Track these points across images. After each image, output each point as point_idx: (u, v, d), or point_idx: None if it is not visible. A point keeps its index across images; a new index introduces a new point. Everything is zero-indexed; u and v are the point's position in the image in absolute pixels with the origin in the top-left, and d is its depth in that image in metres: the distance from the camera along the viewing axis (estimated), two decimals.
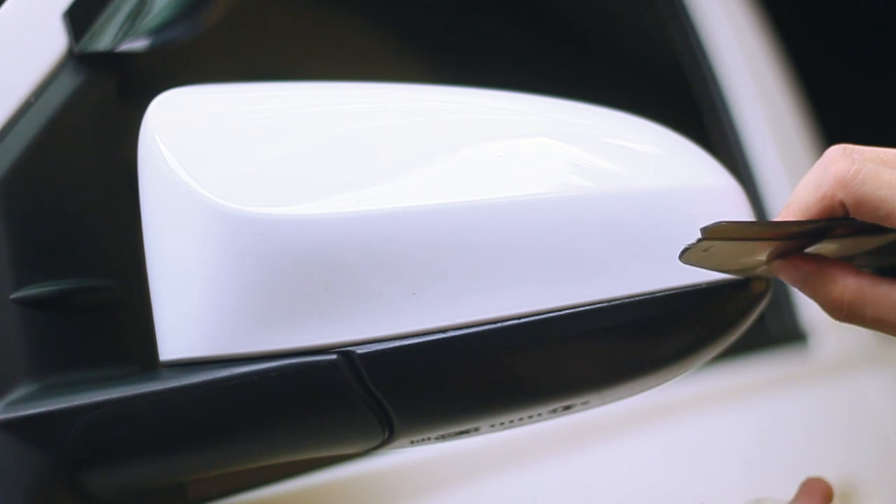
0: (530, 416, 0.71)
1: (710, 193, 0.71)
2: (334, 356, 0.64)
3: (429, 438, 0.69)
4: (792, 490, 0.74)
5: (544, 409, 0.71)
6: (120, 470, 0.66)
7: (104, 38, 0.72)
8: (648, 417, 1.08)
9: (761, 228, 0.64)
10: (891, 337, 0.68)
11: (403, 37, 1.17)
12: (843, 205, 0.64)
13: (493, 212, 0.65)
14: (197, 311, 0.63)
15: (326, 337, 0.63)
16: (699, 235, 0.62)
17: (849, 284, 0.66)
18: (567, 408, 0.72)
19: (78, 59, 0.71)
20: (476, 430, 0.70)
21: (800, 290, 0.68)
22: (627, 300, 0.67)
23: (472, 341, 0.65)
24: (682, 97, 1.53)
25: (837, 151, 0.65)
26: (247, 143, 0.64)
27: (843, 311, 0.66)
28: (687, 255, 0.63)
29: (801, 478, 0.73)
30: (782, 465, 1.20)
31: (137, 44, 0.72)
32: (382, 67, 1.11)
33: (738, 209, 0.72)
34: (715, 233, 0.62)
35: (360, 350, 0.64)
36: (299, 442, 0.67)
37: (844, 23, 2.55)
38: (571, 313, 0.66)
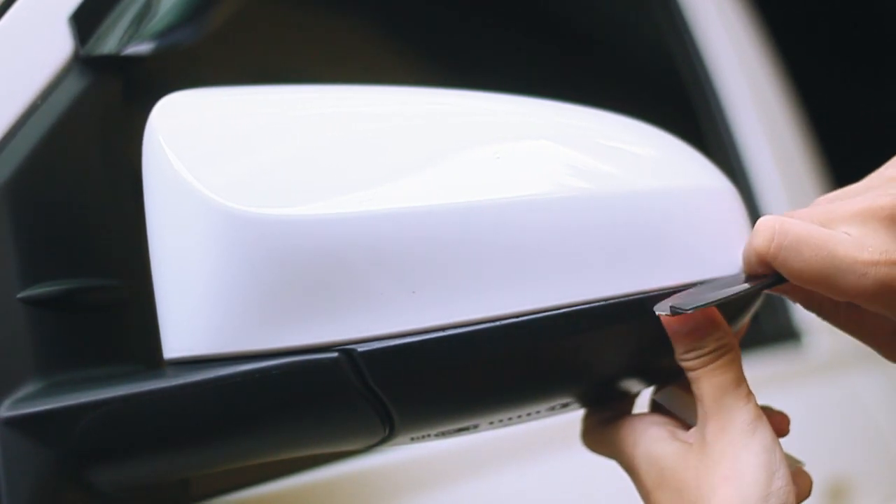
0: (529, 414, 0.71)
1: (706, 195, 0.71)
2: (336, 354, 0.64)
3: (429, 435, 0.69)
4: None
5: (543, 407, 0.71)
6: (125, 466, 0.66)
7: (109, 42, 0.72)
8: None
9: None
10: None
11: (404, 40, 1.16)
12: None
13: (492, 212, 0.65)
14: (200, 309, 0.63)
15: (328, 335, 0.64)
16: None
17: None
18: (565, 405, 0.72)
19: (83, 62, 0.72)
20: (475, 427, 0.70)
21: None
22: (625, 299, 0.67)
23: (472, 339, 0.65)
24: (678, 99, 1.53)
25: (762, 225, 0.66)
26: (250, 145, 0.64)
27: (810, 305, 0.71)
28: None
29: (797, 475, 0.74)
30: None
31: (142, 47, 0.73)
32: (384, 70, 1.10)
33: (732, 211, 0.72)
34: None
35: (360, 348, 0.64)
36: (301, 439, 0.67)
37: (839, 25, 2.55)
38: (569, 312, 0.66)
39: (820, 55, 2.41)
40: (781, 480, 0.65)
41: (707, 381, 0.68)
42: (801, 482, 0.70)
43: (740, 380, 0.68)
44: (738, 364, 0.68)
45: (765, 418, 0.67)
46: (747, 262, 0.68)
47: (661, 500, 0.68)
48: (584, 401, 0.74)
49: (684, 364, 0.68)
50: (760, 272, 0.67)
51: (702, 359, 0.68)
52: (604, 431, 0.73)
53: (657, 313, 0.66)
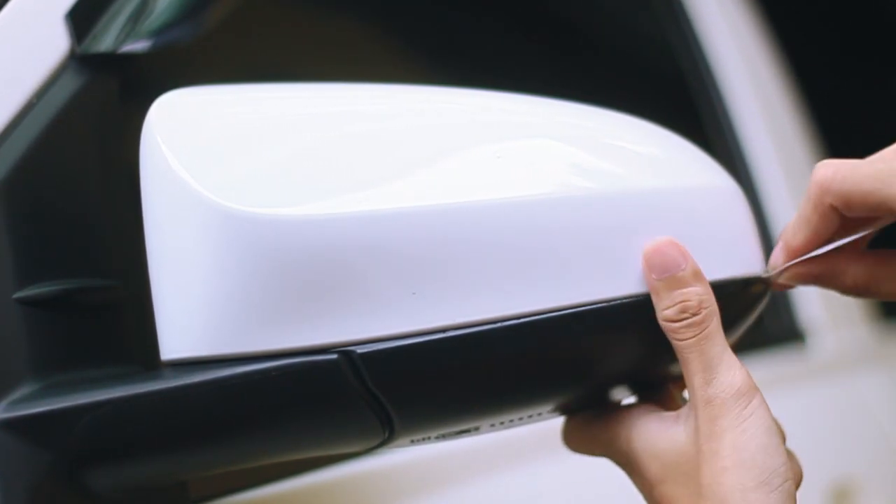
0: (530, 416, 0.71)
1: (709, 194, 0.71)
2: (335, 356, 0.63)
3: (429, 437, 0.69)
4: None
5: (544, 409, 0.71)
6: (122, 469, 0.66)
7: (106, 40, 0.72)
8: None
9: None
10: (888, 336, 0.70)
11: (404, 38, 1.16)
12: (834, 208, 0.66)
13: (493, 212, 0.65)
14: (198, 310, 0.63)
15: (327, 336, 0.63)
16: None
17: (859, 271, 0.69)
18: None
19: (80, 60, 0.71)
20: (476, 429, 0.70)
21: (814, 286, 0.71)
22: (627, 300, 0.67)
23: (472, 341, 0.65)
24: (681, 98, 1.52)
25: (820, 163, 0.67)
26: (248, 144, 0.64)
27: (861, 292, 0.70)
28: None
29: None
30: None
31: (139, 45, 0.72)
32: (384, 69, 1.11)
33: (737, 210, 0.72)
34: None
35: (360, 350, 0.63)
36: (300, 441, 0.67)
37: (843, 22, 2.55)
38: (571, 313, 0.66)
39: (824, 52, 2.41)
40: (780, 458, 0.65)
41: (690, 346, 0.66)
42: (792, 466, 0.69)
43: (726, 348, 0.67)
44: (719, 325, 0.67)
45: (758, 390, 0.66)
46: (800, 215, 0.68)
47: (668, 492, 0.67)
48: (587, 402, 0.73)
49: (665, 324, 0.67)
50: (814, 219, 0.67)
51: (686, 322, 0.66)
52: (590, 429, 0.72)
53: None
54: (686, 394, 0.73)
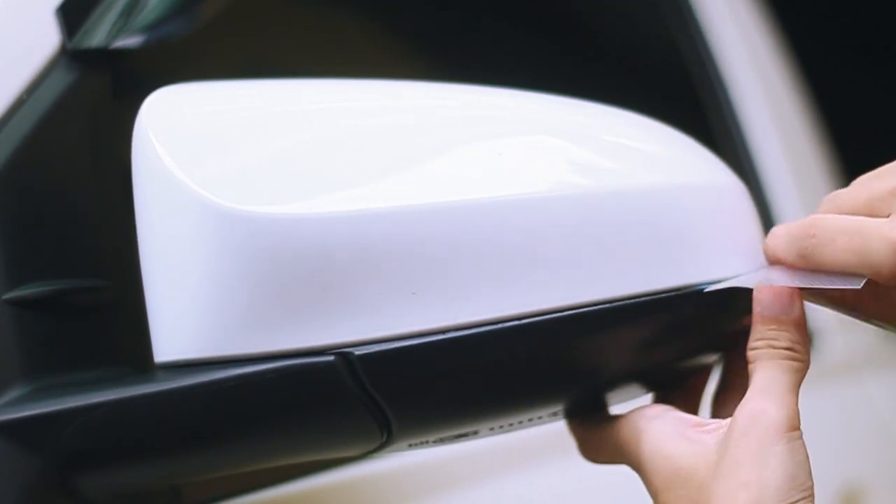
0: (530, 419, 0.70)
1: (714, 191, 0.71)
2: (332, 357, 0.63)
3: (427, 441, 0.69)
4: None
5: (544, 412, 0.70)
6: (114, 473, 0.66)
7: (98, 35, 0.71)
8: None
9: None
10: None
11: (405, 35, 1.17)
12: None
13: (493, 211, 0.64)
14: (192, 311, 0.62)
15: (324, 338, 0.63)
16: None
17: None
18: None
19: (71, 55, 0.70)
20: (475, 432, 0.69)
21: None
22: (629, 300, 0.66)
23: (472, 342, 0.64)
24: (686, 95, 1.52)
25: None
26: (242, 141, 0.64)
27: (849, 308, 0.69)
28: None
29: None
30: None
31: (131, 40, 0.72)
32: (383, 66, 1.11)
33: (741, 207, 0.72)
34: None
35: (357, 351, 0.63)
36: (296, 445, 0.66)
37: (850, 20, 2.56)
38: (572, 314, 0.65)
39: (830, 50, 2.42)
40: (804, 493, 0.63)
41: (762, 367, 0.66)
42: None
43: (793, 390, 0.66)
44: (799, 376, 0.67)
45: (801, 435, 0.65)
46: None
47: (672, 501, 0.66)
48: (588, 405, 0.73)
49: (750, 353, 0.67)
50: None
51: (769, 350, 0.66)
52: (601, 436, 0.71)
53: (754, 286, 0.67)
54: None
